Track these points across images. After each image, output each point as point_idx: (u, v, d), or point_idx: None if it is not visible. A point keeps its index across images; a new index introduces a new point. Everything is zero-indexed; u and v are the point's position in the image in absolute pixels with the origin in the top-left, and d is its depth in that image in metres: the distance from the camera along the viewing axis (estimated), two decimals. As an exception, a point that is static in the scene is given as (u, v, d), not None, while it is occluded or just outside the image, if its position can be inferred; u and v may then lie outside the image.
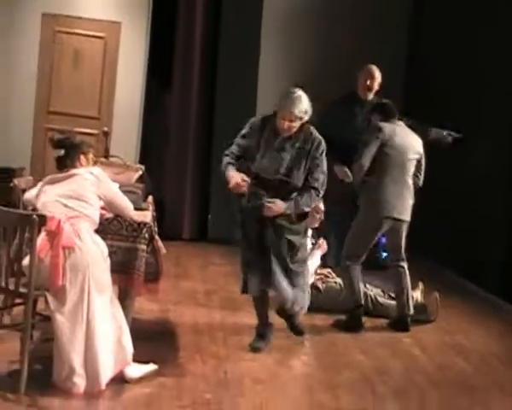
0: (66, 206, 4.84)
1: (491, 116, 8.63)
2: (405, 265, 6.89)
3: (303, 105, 5.65)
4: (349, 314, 6.79)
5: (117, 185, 5.30)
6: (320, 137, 5.76)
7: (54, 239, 4.77)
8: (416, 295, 7.22)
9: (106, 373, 4.78)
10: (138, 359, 4.97)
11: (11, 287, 4.86)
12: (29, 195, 5.23)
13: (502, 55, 8.52)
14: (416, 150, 6.90)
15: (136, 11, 9.71)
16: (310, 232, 7.37)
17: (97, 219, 4.98)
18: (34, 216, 4.66)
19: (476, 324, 7.29)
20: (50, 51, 9.52)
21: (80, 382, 4.74)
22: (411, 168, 6.90)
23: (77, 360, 4.74)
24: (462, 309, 7.75)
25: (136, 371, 4.95)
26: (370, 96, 7.86)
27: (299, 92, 5.69)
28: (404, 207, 6.81)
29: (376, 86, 7.88)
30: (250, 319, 6.55)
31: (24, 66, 9.52)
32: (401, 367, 5.90)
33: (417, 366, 5.97)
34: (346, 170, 7.53)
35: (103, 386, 4.70)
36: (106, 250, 4.95)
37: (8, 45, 9.52)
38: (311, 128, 5.78)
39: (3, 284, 4.89)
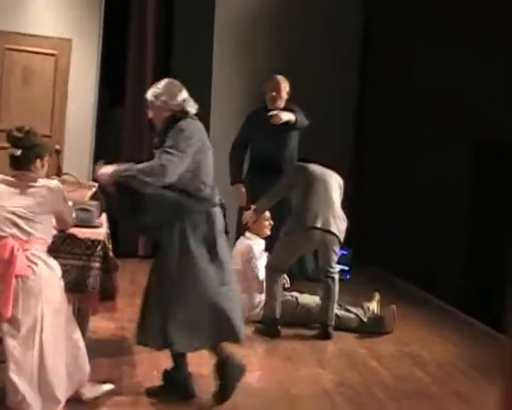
0: (18, 226, 4.71)
1: (445, 124, 8.68)
2: (336, 276, 7.04)
3: (156, 89, 5.13)
4: (266, 324, 6.95)
5: (70, 203, 5.24)
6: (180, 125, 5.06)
7: (6, 267, 4.68)
8: (373, 306, 7.25)
9: (61, 394, 4.71)
10: (95, 378, 4.91)
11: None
12: None
13: (451, 66, 8.61)
14: (338, 180, 7.27)
15: (88, 28, 9.63)
16: (262, 245, 7.41)
17: (50, 239, 4.90)
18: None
19: (432, 333, 7.33)
20: (-1, 69, 9.42)
21: (35, 404, 4.66)
22: (336, 189, 7.16)
23: (30, 383, 4.66)
24: (418, 319, 7.79)
25: (92, 390, 4.89)
26: (280, 106, 7.87)
27: (166, 79, 5.24)
28: (332, 221, 6.96)
29: (284, 96, 7.93)
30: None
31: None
32: (359, 379, 5.90)
33: (375, 378, 5.96)
34: (243, 193, 7.85)
35: (59, 407, 4.62)
36: (59, 271, 4.87)
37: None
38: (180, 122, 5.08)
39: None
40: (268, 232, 7.46)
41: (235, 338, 5.18)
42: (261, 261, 7.26)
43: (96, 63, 9.54)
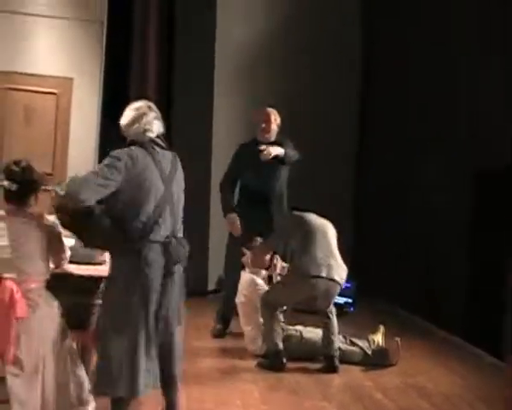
0: (15, 266, 4.72)
1: (448, 157, 8.68)
2: (333, 310, 7.05)
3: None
4: (270, 358, 6.93)
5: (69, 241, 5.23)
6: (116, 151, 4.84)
7: (6, 310, 4.67)
8: (378, 338, 7.22)
9: None
10: None
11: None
12: None
13: (450, 66, 8.68)
14: (334, 230, 7.21)
15: (89, 67, 9.70)
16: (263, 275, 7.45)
17: (48, 276, 4.87)
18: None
19: (438, 365, 7.28)
20: (1, 108, 9.46)
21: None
22: (334, 238, 7.15)
23: None
24: (423, 350, 7.75)
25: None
26: (270, 138, 7.83)
27: (136, 104, 5.02)
28: (335, 269, 6.96)
29: (275, 128, 7.87)
30: (211, 370, 6.64)
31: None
32: (365, 412, 5.88)
33: (381, 411, 5.94)
34: (237, 223, 7.73)
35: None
36: (59, 309, 4.86)
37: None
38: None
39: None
40: (267, 264, 7.50)
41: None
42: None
43: (97, 101, 9.59)
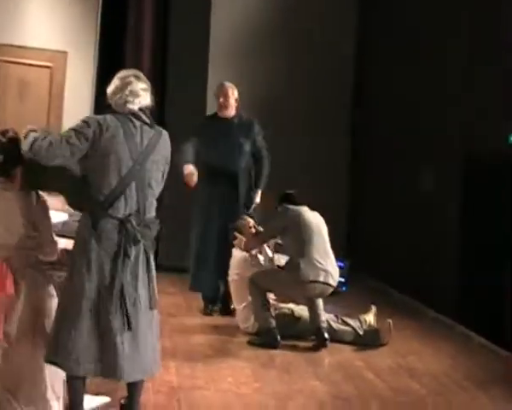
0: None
1: (441, 138, 8.70)
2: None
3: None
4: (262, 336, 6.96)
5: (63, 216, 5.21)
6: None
7: None
8: (369, 318, 7.25)
9: (56, 406, 4.70)
10: (90, 391, 4.90)
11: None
12: None
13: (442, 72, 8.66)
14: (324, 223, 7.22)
15: (83, 40, 9.67)
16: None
17: (39, 253, 4.77)
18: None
19: (428, 345, 7.32)
20: (-5, 81, 9.45)
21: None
22: (327, 234, 7.16)
23: (23, 397, 4.67)
24: (414, 331, 7.78)
25: (88, 402, 4.88)
26: (230, 113, 7.84)
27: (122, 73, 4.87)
28: (331, 272, 7.00)
29: (233, 103, 7.84)
30: (203, 346, 6.63)
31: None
32: (355, 392, 5.88)
33: (371, 390, 5.95)
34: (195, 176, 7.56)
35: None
36: (51, 286, 4.85)
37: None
38: None
39: None
40: (259, 248, 7.53)
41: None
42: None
43: (91, 75, 9.57)
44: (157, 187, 4.65)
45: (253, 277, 7.02)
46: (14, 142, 4.74)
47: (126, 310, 4.42)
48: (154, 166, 4.61)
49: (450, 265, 8.28)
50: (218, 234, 7.67)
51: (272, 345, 6.80)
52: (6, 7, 9.45)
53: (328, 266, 6.94)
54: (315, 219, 7.13)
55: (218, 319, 7.71)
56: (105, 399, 4.98)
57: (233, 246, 7.51)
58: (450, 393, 6.04)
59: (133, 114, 4.62)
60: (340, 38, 10.57)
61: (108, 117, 4.58)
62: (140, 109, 4.66)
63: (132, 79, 4.73)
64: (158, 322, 4.67)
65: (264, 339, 6.86)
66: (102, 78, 9.54)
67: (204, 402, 5.37)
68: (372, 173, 10.30)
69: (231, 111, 7.83)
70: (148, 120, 4.66)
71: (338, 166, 10.61)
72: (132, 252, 4.48)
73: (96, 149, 4.47)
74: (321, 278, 6.86)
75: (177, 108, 9.45)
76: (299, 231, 6.99)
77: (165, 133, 4.76)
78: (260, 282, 6.97)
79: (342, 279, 9.32)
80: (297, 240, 6.99)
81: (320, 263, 6.88)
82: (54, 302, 4.77)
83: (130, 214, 4.48)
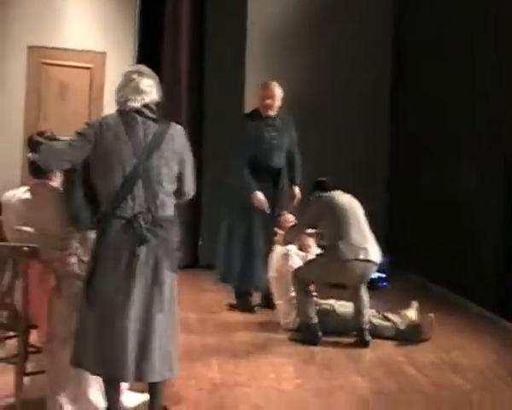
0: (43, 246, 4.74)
1: (479, 131, 8.63)
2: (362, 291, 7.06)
3: None
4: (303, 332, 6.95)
5: None
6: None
7: (38, 291, 4.73)
8: (411, 313, 7.21)
9: (98, 403, 4.75)
10: (133, 388, 4.94)
11: (3, 320, 4.87)
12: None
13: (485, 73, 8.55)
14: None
15: (121, 41, 9.74)
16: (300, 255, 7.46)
17: (76, 251, 4.89)
18: (25, 248, 4.65)
19: (472, 340, 7.26)
20: (37, 83, 9.53)
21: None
22: (363, 216, 7.12)
23: (67, 394, 4.72)
24: (457, 325, 7.73)
25: (131, 399, 4.92)
26: (272, 113, 7.87)
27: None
28: (370, 249, 6.98)
29: (277, 103, 7.86)
30: (245, 344, 6.68)
31: (12, 98, 9.52)
32: (397, 387, 5.86)
33: (414, 386, 5.92)
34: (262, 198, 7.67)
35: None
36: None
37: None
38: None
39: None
40: (308, 251, 7.53)
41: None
42: None
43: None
44: (170, 184, 4.50)
45: (296, 271, 7.03)
46: (54, 139, 4.82)
47: (136, 312, 4.36)
48: (163, 161, 4.46)
49: (494, 259, 8.20)
50: (264, 228, 7.74)
51: (313, 341, 6.80)
52: (46, 11, 9.56)
53: (366, 243, 6.92)
54: (349, 202, 7.11)
55: (259, 316, 7.73)
56: (147, 395, 5.00)
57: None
58: (495, 388, 5.99)
59: (136, 110, 4.51)
60: (377, 36, 10.52)
61: (110, 116, 4.56)
62: (144, 106, 4.54)
63: (135, 76, 4.61)
64: (173, 325, 4.53)
65: (304, 335, 6.87)
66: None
67: (246, 399, 5.39)
68: (412, 168, 10.23)
69: (275, 110, 7.86)
70: (152, 116, 4.53)
71: (377, 160, 10.58)
72: (141, 252, 4.37)
73: (99, 150, 4.42)
74: (361, 256, 6.84)
75: (216, 104, 9.50)
76: (334, 215, 6.97)
77: (174, 127, 4.59)
78: (303, 274, 6.96)
79: (383, 275, 9.32)
80: (333, 224, 6.97)
81: (358, 242, 6.86)
82: None
83: (138, 213, 4.36)
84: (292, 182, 8.02)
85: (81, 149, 4.42)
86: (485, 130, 8.39)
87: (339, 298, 7.35)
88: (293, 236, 7.37)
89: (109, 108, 9.49)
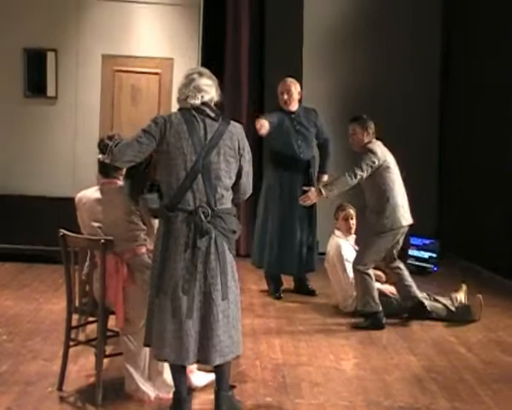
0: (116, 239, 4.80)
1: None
2: (401, 265, 7.00)
3: None
4: (368, 319, 6.83)
5: None
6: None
7: (114, 281, 4.80)
8: (460, 296, 7.15)
9: (172, 383, 4.79)
10: (201, 368, 4.97)
11: (84, 307, 4.94)
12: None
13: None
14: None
15: (188, 47, 9.78)
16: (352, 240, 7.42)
17: (147, 242, 4.92)
18: (102, 241, 4.71)
19: (518, 320, 7.19)
20: (110, 89, 9.63)
21: (150, 391, 4.78)
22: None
23: (143, 374, 4.79)
24: (504, 307, 7.64)
25: (201, 379, 4.96)
26: (294, 107, 7.79)
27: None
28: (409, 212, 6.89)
29: (296, 97, 7.78)
30: (305, 326, 6.70)
31: (88, 103, 9.64)
32: (449, 365, 5.83)
33: (464, 364, 5.88)
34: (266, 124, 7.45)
35: (171, 394, 4.70)
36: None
37: (74, 85, 9.66)
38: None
39: (77, 304, 4.97)
40: (352, 232, 7.45)
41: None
42: (352, 258, 7.20)
43: (196, 79, 9.67)
44: (228, 179, 4.47)
45: (355, 263, 6.86)
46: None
47: (199, 299, 4.37)
48: (221, 158, 4.44)
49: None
50: (299, 217, 7.68)
51: (378, 327, 6.73)
52: (118, 22, 9.64)
53: (408, 206, 6.81)
54: (391, 157, 6.90)
55: (316, 299, 7.74)
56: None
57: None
58: (541, 365, 5.94)
59: (196, 108, 4.49)
60: (427, 35, 10.43)
61: (173, 114, 4.54)
62: (203, 104, 4.51)
63: (195, 76, 4.58)
64: (235, 311, 4.48)
65: (370, 322, 6.78)
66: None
67: (307, 377, 5.40)
68: (463, 156, 10.06)
69: (295, 105, 7.80)
70: (212, 114, 4.51)
71: (429, 146, 10.47)
72: (202, 243, 4.38)
73: (163, 146, 4.43)
74: (411, 220, 6.78)
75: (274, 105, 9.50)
76: (387, 173, 6.74)
77: (233, 125, 4.54)
78: (362, 263, 6.79)
79: (434, 254, 9.25)
80: (379, 181, 6.72)
81: (406, 205, 6.76)
82: None
83: (199, 207, 4.37)
84: (321, 171, 7.91)
85: (147, 145, 4.43)
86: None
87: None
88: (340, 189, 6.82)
89: (176, 109, 9.64)
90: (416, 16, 10.35)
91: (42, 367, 5.32)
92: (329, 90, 10.11)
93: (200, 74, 4.60)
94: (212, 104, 4.56)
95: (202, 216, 4.36)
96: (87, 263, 4.90)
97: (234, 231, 4.53)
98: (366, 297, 6.79)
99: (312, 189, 6.80)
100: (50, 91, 9.60)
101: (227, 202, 4.50)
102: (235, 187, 4.57)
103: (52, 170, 9.54)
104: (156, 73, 9.69)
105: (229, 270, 4.46)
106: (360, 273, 6.79)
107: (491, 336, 6.63)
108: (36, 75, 9.57)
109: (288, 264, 7.78)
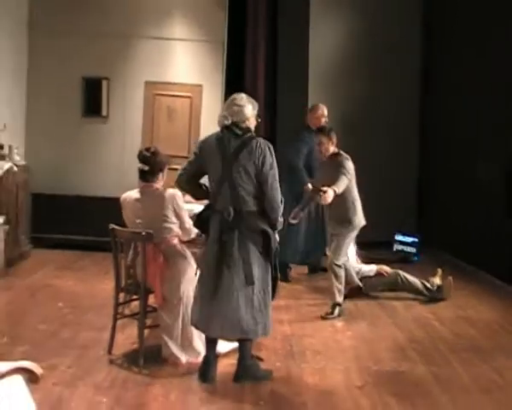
0: (154, 231, 4.83)
1: (495, 135, 8.41)
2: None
3: None
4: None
5: (191, 207, 5.32)
6: None
7: (153, 266, 4.82)
8: (436, 279, 7.17)
9: (200, 350, 4.83)
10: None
11: (129, 287, 4.99)
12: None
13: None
14: None
15: (214, 75, 9.79)
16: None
17: (180, 233, 4.94)
18: (143, 233, 4.76)
19: (484, 301, 7.16)
20: (151, 109, 9.66)
21: (182, 356, 4.83)
22: None
23: (176, 342, 4.83)
24: (472, 291, 7.61)
25: (224, 346, 4.99)
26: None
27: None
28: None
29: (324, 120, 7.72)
30: (309, 305, 6.72)
31: (133, 121, 9.69)
32: (426, 337, 5.85)
33: (439, 335, 5.91)
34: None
35: (200, 359, 4.75)
36: (191, 258, 4.98)
37: (122, 106, 9.72)
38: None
39: (123, 285, 5.01)
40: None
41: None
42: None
43: (220, 103, 9.68)
44: (251, 186, 4.42)
45: (332, 259, 6.39)
46: (156, 154, 4.94)
47: (226, 285, 4.43)
48: (241, 168, 4.42)
49: (503, 238, 8.01)
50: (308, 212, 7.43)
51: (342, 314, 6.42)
52: (158, 54, 9.69)
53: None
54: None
55: (320, 283, 7.68)
56: (236, 344, 5.04)
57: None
58: (500, 336, 5.96)
59: (226, 128, 4.52)
60: (408, 66, 10.37)
61: (211, 135, 4.64)
62: (233, 123, 4.51)
63: (229, 102, 4.61)
64: (260, 297, 4.47)
65: (338, 312, 6.36)
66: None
67: (310, 347, 5.43)
68: (442, 158, 9.88)
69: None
70: (238, 132, 4.50)
71: (409, 147, 10.40)
72: (229, 237, 4.43)
73: (203, 161, 4.55)
74: (364, 222, 6.43)
75: (286, 123, 9.50)
76: (354, 180, 6.37)
77: (255, 142, 4.46)
78: (339, 258, 6.36)
79: (415, 250, 9.21)
80: (353, 189, 6.37)
81: (361, 210, 6.44)
82: (193, 270, 4.92)
83: (225, 208, 4.43)
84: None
85: (195, 163, 4.59)
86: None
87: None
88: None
89: (205, 127, 9.67)
90: (400, 54, 10.28)
91: (95, 335, 5.39)
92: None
93: (233, 100, 4.62)
94: (244, 124, 4.53)
95: (226, 215, 4.42)
96: (131, 251, 4.95)
97: (258, 230, 4.45)
98: (339, 288, 6.41)
99: (329, 189, 6.67)
100: (103, 112, 9.68)
101: (252, 206, 4.47)
102: (264, 196, 4.47)
103: (104, 176, 9.60)
104: (188, 97, 9.72)
105: (254, 260, 4.46)
106: (337, 267, 6.40)
107: (461, 314, 6.63)
108: (92, 99, 9.65)
109: (292, 254, 7.69)
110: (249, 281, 4.45)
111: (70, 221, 8.98)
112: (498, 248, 7.97)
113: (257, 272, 4.47)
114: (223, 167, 4.45)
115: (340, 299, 6.38)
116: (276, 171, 4.48)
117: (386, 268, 7.23)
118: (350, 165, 6.29)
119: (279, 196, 4.49)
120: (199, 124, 9.71)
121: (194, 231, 4.94)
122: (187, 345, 4.86)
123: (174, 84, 9.71)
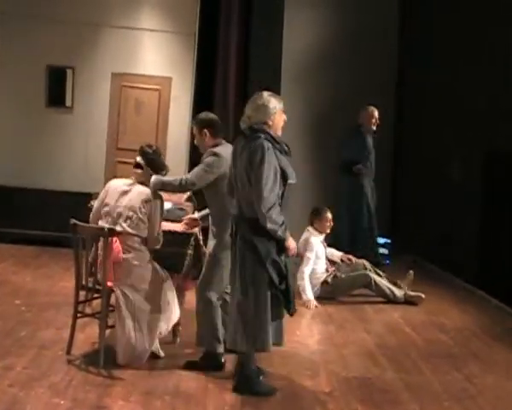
0: (123, 222, 4.79)
1: (469, 135, 8.44)
2: None
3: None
4: None
5: (168, 205, 5.28)
6: None
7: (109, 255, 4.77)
8: (407, 281, 7.28)
9: (151, 346, 4.83)
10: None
11: (90, 285, 4.91)
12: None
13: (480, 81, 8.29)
14: None
15: (184, 68, 9.73)
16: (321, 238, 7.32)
17: (143, 235, 4.86)
18: (106, 229, 4.69)
19: (455, 306, 7.22)
20: (117, 102, 9.58)
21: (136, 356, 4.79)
22: None
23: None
24: (444, 295, 7.67)
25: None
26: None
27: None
28: None
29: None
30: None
31: (98, 113, 9.59)
32: (397, 342, 5.87)
33: (409, 341, 5.93)
34: None
35: (143, 361, 4.79)
36: (148, 257, 4.91)
37: (88, 99, 9.61)
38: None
39: (84, 283, 4.94)
40: (328, 231, 7.28)
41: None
42: (320, 253, 7.11)
43: (189, 95, 9.63)
44: (244, 191, 4.36)
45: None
46: (157, 153, 4.97)
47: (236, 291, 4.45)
48: (240, 172, 4.41)
49: (474, 243, 8.08)
50: None
51: None
52: (126, 44, 9.61)
53: None
54: None
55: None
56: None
57: None
58: (471, 343, 6.00)
59: (241, 132, 4.49)
60: (382, 66, 10.37)
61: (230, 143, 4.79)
62: (250, 127, 4.42)
63: (246, 105, 4.53)
64: (251, 308, 4.37)
65: None
66: (197, 98, 9.61)
67: (278, 351, 5.33)
68: (415, 165, 9.95)
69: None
70: (246, 133, 4.42)
71: (383, 155, 10.39)
72: (236, 241, 4.43)
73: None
74: None
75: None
76: None
77: (252, 141, 4.35)
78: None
79: (386, 252, 9.25)
80: None
81: None
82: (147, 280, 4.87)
83: (234, 211, 4.48)
84: None
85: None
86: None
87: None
88: None
89: (173, 120, 9.62)
90: (373, 52, 10.29)
91: (54, 334, 5.31)
92: (303, 112, 10.04)
93: (248, 103, 4.52)
94: (257, 125, 4.39)
95: (232, 221, 4.51)
96: (93, 248, 4.87)
97: (249, 238, 4.34)
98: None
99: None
100: (68, 102, 9.55)
101: (247, 212, 4.38)
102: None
103: (67, 169, 9.48)
104: (156, 89, 9.66)
105: (246, 270, 4.37)
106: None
107: (432, 319, 6.67)
108: (56, 89, 9.52)
109: None
110: (245, 290, 4.38)
111: (30, 215, 8.83)
112: (472, 253, 8.04)
113: (248, 281, 4.37)
114: (233, 172, 4.50)
115: None
116: (263, 172, 4.25)
117: (350, 256, 7.35)
118: None
119: (264, 200, 4.24)
120: (167, 117, 9.65)
121: (160, 242, 4.88)
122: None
123: (142, 75, 9.64)
